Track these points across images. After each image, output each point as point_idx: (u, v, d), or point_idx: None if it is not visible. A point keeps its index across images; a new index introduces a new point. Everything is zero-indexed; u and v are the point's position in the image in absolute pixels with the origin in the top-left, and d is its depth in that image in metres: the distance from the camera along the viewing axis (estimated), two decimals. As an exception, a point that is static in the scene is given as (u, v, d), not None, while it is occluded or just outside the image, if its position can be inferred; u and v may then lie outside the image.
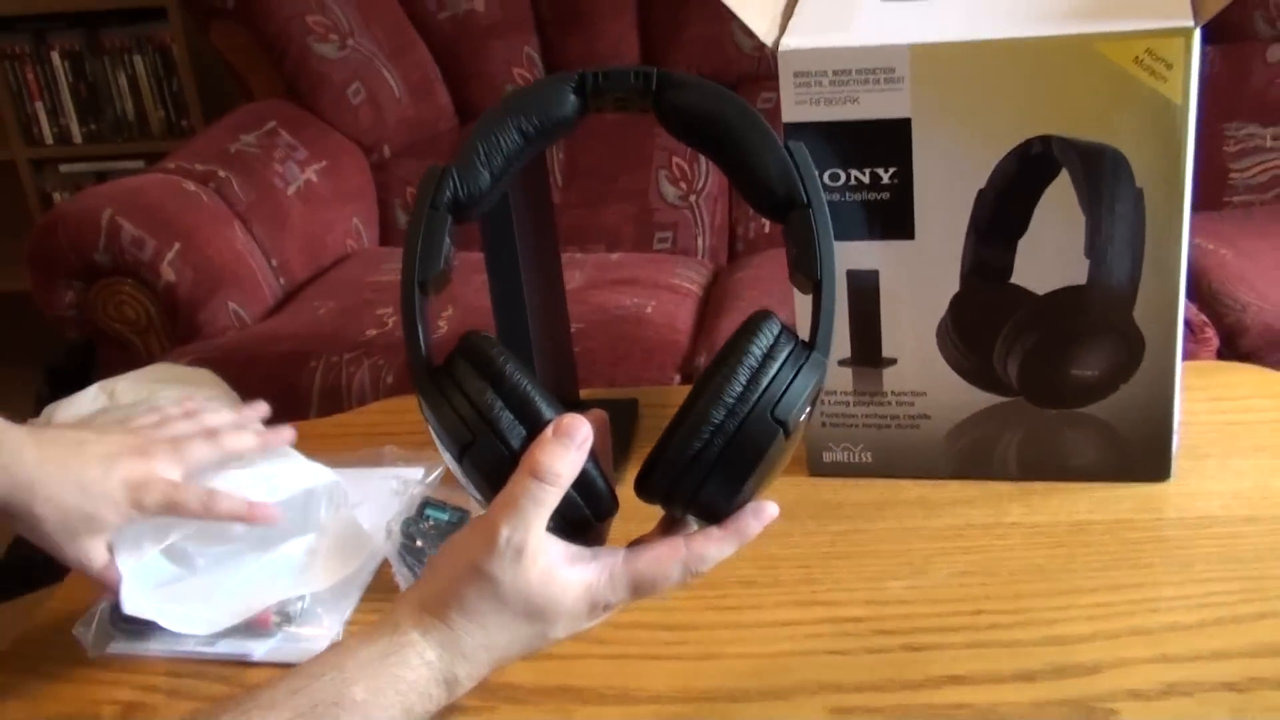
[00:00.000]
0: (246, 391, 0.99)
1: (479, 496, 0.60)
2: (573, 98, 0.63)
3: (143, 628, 0.82)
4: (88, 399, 0.98)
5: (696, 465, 0.58)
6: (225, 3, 2.16)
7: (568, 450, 0.58)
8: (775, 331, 0.59)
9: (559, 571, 0.59)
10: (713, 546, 0.61)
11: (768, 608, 0.81)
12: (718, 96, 0.62)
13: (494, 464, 0.58)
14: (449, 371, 0.60)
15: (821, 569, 0.84)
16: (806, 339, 0.61)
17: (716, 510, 0.60)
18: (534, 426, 0.59)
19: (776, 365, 0.58)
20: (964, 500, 0.90)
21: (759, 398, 0.58)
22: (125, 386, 1.00)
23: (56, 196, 2.75)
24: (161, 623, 0.80)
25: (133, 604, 0.80)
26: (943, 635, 0.77)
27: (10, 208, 2.82)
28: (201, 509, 0.79)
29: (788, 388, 0.58)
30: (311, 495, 0.87)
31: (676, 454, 0.58)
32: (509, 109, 0.63)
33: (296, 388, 1.68)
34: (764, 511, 0.61)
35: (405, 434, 0.98)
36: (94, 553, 0.78)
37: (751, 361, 0.58)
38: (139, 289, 1.81)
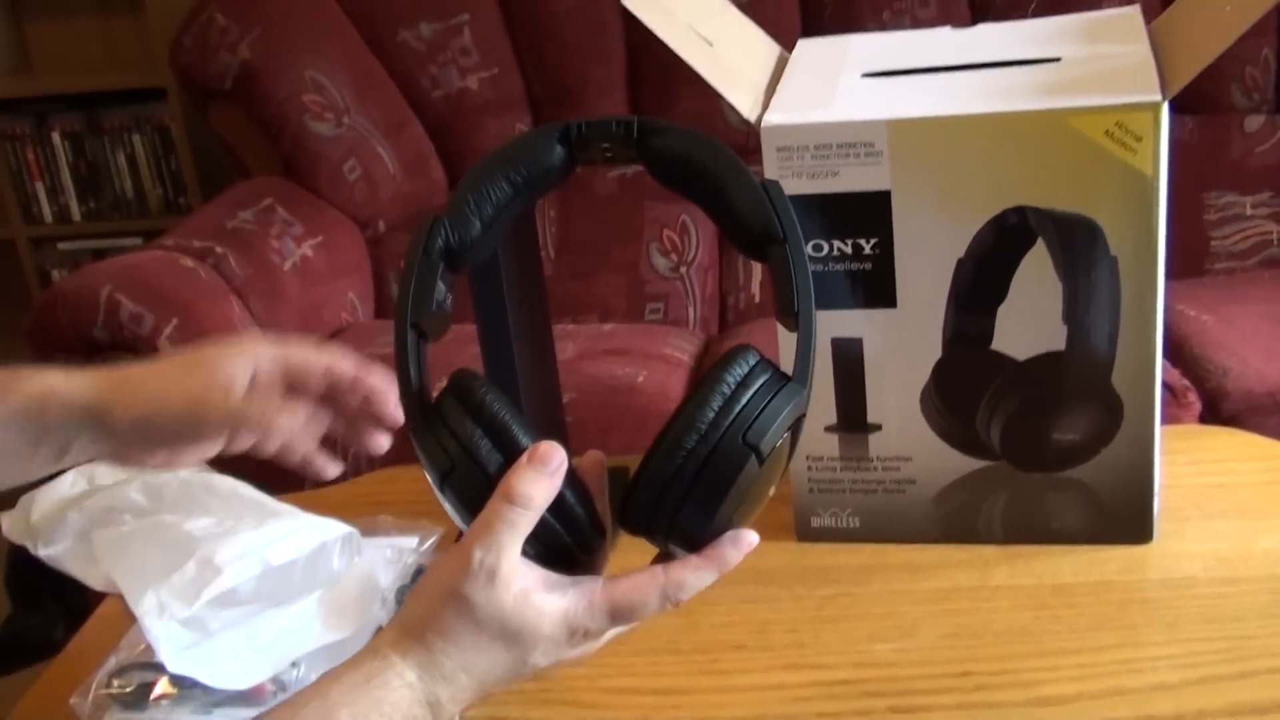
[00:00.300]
0: (242, 466, 1.00)
1: (461, 524, 0.61)
2: (559, 148, 0.65)
3: (138, 698, 0.82)
4: (65, 485, 0.98)
5: (671, 490, 0.59)
6: (223, 84, 2.20)
7: (541, 475, 0.59)
8: (751, 361, 0.60)
9: (534, 596, 0.59)
10: (690, 574, 0.61)
11: (757, 671, 0.82)
12: (697, 140, 0.64)
13: (472, 491, 0.59)
14: (438, 408, 0.61)
15: (810, 633, 0.85)
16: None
17: (694, 537, 0.60)
18: (511, 454, 0.60)
19: (750, 392, 0.59)
20: (950, 564, 0.91)
21: (730, 423, 0.58)
22: (104, 469, 1.00)
23: (55, 274, 2.77)
24: (204, 680, 0.80)
25: (173, 663, 0.80)
26: (930, 697, 0.78)
27: (9, 285, 2.84)
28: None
29: (760, 414, 0.58)
30: (323, 549, 0.88)
31: (650, 479, 0.59)
32: (497, 160, 0.65)
33: (292, 460, 1.69)
34: (743, 540, 0.61)
35: (400, 503, 0.99)
36: (230, 373, 0.72)
37: (724, 389, 0.59)
38: (136, 364, 1.82)
